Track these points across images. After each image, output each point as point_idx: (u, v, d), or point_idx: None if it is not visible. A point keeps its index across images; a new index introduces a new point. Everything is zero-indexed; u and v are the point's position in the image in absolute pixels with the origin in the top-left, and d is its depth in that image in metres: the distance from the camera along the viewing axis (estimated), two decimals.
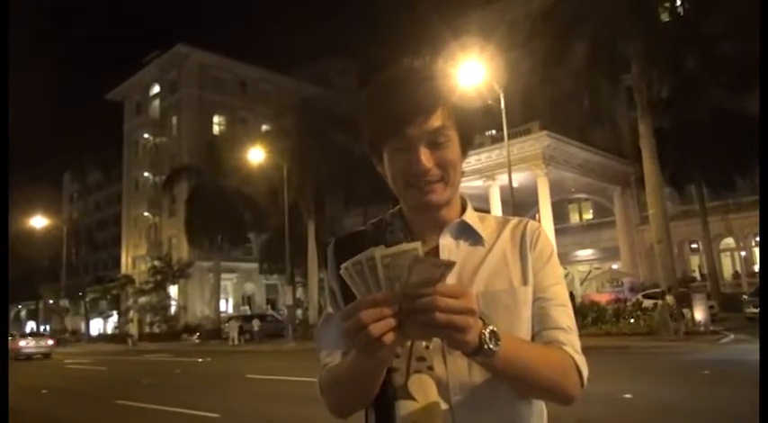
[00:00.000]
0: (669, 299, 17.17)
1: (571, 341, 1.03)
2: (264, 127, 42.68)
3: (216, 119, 47.95)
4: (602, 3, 17.47)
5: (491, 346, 0.84)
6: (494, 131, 25.29)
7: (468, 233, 1.08)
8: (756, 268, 31.04)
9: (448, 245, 1.06)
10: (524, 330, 1.02)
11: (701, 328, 18.32)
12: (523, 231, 1.10)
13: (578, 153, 27.49)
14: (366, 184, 24.30)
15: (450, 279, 1.00)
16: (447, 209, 1.07)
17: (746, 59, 19.59)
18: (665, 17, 19.12)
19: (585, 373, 1.01)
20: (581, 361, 1.01)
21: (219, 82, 47.75)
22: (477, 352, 0.84)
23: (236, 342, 29.88)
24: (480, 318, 0.85)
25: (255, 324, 31.75)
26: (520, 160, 24.27)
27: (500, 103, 18.55)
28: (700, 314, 19.09)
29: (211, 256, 38.39)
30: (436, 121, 0.99)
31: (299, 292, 38.29)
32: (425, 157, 0.98)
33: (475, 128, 1.08)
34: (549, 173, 25.55)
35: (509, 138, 20.33)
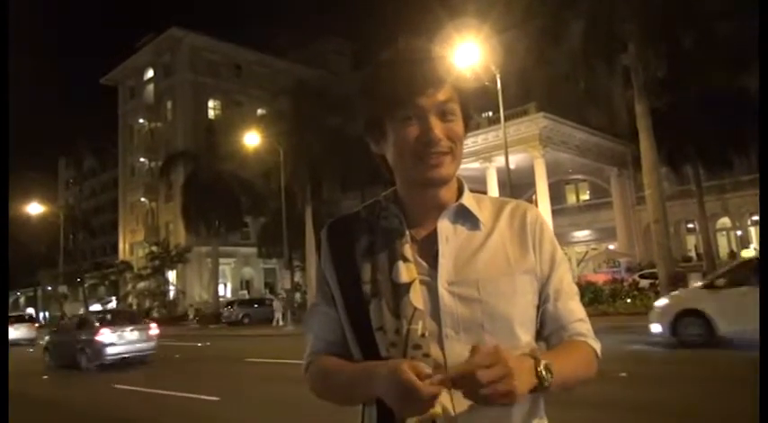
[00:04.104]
0: None
1: (590, 330, 1.10)
2: (260, 110, 42.43)
3: (211, 103, 47.63)
4: None
5: (548, 381, 0.91)
6: (490, 113, 25.17)
7: (466, 217, 1.08)
8: (752, 247, 31.23)
9: (446, 229, 1.06)
10: (519, 318, 1.04)
11: None
12: (523, 220, 1.10)
13: (575, 134, 27.45)
14: (363, 167, 24.26)
15: (449, 263, 1.04)
16: (445, 189, 1.08)
17: (743, 38, 19.51)
18: None
19: (600, 355, 1.09)
20: (599, 347, 1.09)
21: (214, 65, 47.35)
22: (536, 389, 0.90)
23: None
24: (532, 356, 0.93)
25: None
26: (517, 142, 24.23)
27: (496, 84, 18.43)
28: None
29: (209, 241, 38.42)
30: (445, 94, 1.01)
31: (298, 276, 38.41)
32: (437, 127, 1.00)
33: (473, 107, 1.10)
34: (547, 154, 25.54)
35: (506, 119, 20.26)
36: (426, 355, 0.97)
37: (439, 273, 1.02)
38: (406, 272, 1.02)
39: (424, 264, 1.04)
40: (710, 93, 21.31)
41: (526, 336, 1.04)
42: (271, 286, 46.96)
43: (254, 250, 42.78)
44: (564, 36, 18.96)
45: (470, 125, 1.09)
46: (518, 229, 1.09)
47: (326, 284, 1.11)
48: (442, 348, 0.99)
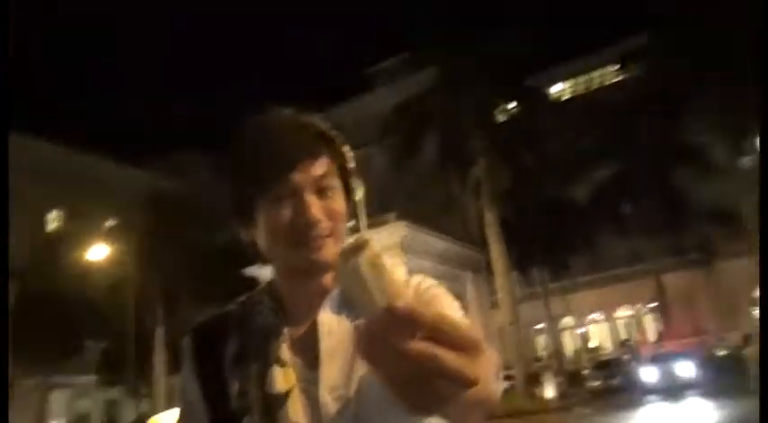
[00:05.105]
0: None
1: None
2: (109, 222, 39.76)
3: (51, 214, 43.82)
4: (449, 102, 19.34)
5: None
6: (351, 223, 25.83)
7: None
8: (592, 345, 34.14)
9: (328, 321, 0.90)
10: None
11: (552, 405, 19.33)
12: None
13: (434, 242, 28.81)
14: (225, 281, 23.38)
15: (332, 363, 0.86)
16: (328, 275, 0.92)
17: (571, 155, 22.64)
18: (501, 117, 21.57)
19: None
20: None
21: (56, 174, 44.14)
22: None
23: None
24: None
25: None
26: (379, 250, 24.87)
27: (357, 194, 19.19)
28: (549, 391, 20.22)
29: (37, 372, 33.60)
30: (321, 167, 0.89)
31: (145, 406, 34.58)
32: (315, 206, 0.87)
33: (356, 180, 0.97)
34: (409, 261, 26.38)
35: (367, 228, 20.97)
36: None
37: (320, 376, 0.85)
38: (282, 379, 0.85)
39: (305, 366, 0.87)
40: (548, 203, 24.00)
41: None
42: (112, 420, 41.60)
43: (93, 379, 38.08)
44: (420, 150, 20.57)
45: (352, 201, 0.96)
46: None
47: (191, 404, 0.91)
48: (310, 411, 0.83)
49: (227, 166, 0.95)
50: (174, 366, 27.58)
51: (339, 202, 0.91)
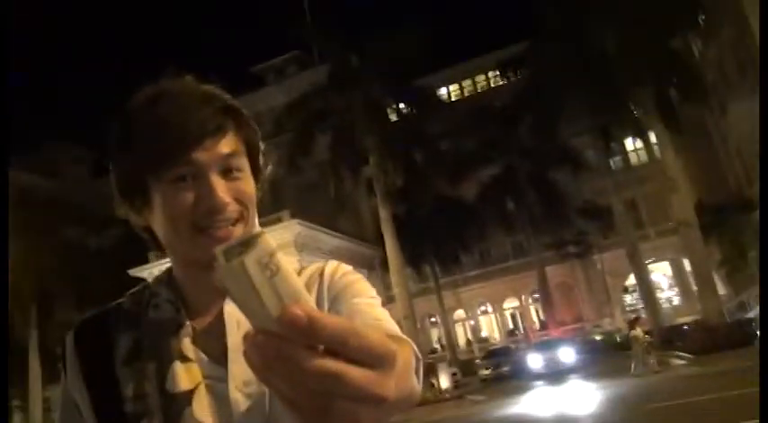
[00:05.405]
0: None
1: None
2: None
3: None
4: (341, 100, 19.34)
5: None
6: None
7: None
8: (484, 335, 35.72)
9: (236, 312, 0.78)
10: None
11: (447, 395, 19.99)
12: (319, 283, 0.85)
13: (328, 240, 28.84)
14: (104, 280, 22.02)
15: (241, 352, 0.79)
16: None
17: (460, 155, 23.43)
18: (393, 117, 21.92)
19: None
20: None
21: None
22: None
23: None
24: None
25: None
26: None
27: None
28: (445, 382, 20.89)
29: None
30: (228, 145, 0.78)
31: (17, 420, 32.00)
32: (221, 188, 0.77)
33: (264, 159, 0.88)
34: (303, 259, 26.21)
35: (261, 226, 20.54)
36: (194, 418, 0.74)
37: (230, 371, 0.77)
38: (185, 376, 0.76)
39: (211, 362, 0.79)
40: (438, 200, 24.73)
41: None
42: None
43: None
44: (313, 147, 20.44)
45: (260, 181, 0.86)
46: (317, 294, 0.85)
47: (76, 410, 0.81)
48: (216, 410, 0.75)
49: (116, 142, 0.81)
50: (51, 375, 25.65)
51: (248, 184, 0.80)
